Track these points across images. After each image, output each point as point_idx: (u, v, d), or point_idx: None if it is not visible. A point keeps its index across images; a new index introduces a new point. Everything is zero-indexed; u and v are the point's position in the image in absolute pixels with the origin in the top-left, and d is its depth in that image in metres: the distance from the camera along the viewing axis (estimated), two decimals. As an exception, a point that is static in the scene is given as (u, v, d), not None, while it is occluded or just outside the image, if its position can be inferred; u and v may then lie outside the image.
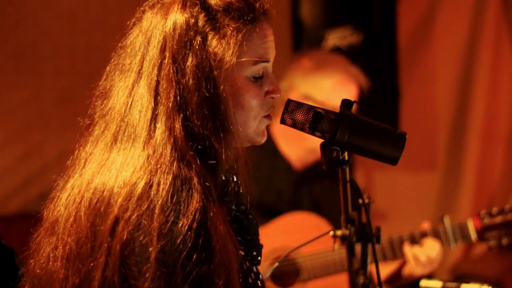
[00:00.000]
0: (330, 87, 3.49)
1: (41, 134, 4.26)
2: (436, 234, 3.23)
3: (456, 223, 3.24)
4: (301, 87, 3.53)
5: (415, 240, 3.23)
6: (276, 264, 2.89)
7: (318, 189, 3.67)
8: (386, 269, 3.35)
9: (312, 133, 1.91)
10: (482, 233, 3.22)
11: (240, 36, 1.81)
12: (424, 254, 3.19)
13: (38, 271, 1.86)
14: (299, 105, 1.91)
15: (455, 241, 3.23)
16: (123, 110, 1.83)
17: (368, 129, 1.91)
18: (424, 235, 3.23)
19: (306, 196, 3.66)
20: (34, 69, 4.25)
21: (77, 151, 1.92)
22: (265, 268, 3.19)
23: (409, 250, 3.21)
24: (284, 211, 3.53)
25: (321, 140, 1.91)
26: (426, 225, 3.26)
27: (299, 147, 3.53)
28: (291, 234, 3.43)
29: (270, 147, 3.61)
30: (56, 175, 1.94)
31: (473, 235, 3.23)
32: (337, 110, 1.91)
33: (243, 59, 1.83)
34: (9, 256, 2.08)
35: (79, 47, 4.31)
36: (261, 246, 1.97)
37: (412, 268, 3.21)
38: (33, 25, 4.23)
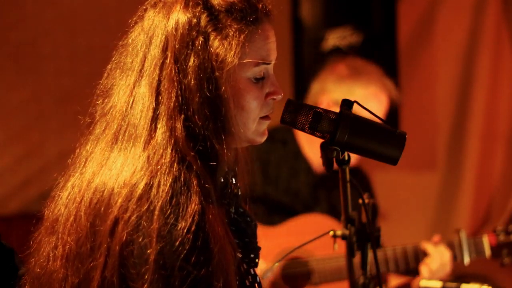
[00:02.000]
0: (363, 97, 3.46)
1: (41, 134, 4.26)
2: (450, 247, 3.23)
3: (471, 238, 3.24)
4: (333, 93, 3.52)
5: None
6: (276, 264, 2.89)
7: (336, 194, 3.67)
8: (396, 279, 3.37)
9: (312, 133, 1.91)
10: (496, 249, 3.23)
11: (242, 37, 1.80)
12: (435, 261, 3.19)
13: (38, 270, 1.86)
14: (299, 105, 1.90)
15: (469, 256, 3.23)
16: (124, 109, 1.83)
17: (368, 129, 1.91)
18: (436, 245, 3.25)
19: (324, 200, 3.66)
20: (34, 69, 4.25)
21: (78, 150, 1.91)
22: (274, 269, 3.20)
23: (431, 248, 3.21)
24: (301, 212, 3.53)
25: None
26: (437, 239, 3.26)
27: None
28: (305, 235, 3.43)
29: (293, 149, 3.62)
30: (57, 174, 1.93)
31: (488, 251, 3.23)
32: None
33: (245, 61, 1.82)
34: (9, 256, 2.08)
35: (79, 47, 4.31)
36: (259, 249, 1.97)
37: (430, 269, 3.21)
38: (33, 25, 4.23)
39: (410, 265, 3.24)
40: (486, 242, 3.23)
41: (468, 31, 4.94)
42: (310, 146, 3.61)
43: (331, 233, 2.06)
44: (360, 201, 2.01)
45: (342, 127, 1.87)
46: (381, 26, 4.62)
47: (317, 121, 1.89)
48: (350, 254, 2.02)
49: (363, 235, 2.01)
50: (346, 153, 1.95)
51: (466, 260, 3.23)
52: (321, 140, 1.93)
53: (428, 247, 3.22)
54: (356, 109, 1.95)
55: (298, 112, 1.89)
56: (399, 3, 4.75)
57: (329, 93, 3.52)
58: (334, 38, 4.50)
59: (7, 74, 4.19)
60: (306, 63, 4.53)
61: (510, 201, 4.71)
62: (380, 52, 4.55)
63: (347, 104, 1.92)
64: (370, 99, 3.46)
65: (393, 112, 4.60)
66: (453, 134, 5.04)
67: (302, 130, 1.91)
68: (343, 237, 2.04)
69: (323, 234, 2.11)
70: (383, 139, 1.91)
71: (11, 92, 4.20)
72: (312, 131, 1.90)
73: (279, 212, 3.52)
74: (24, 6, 4.22)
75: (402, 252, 3.23)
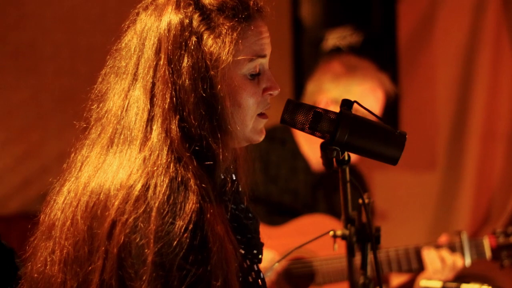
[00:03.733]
0: (360, 93, 3.47)
1: (41, 134, 4.27)
2: (452, 249, 3.25)
3: (472, 240, 3.26)
4: (331, 92, 3.52)
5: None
6: (276, 264, 2.88)
7: (336, 194, 3.67)
8: (398, 278, 3.37)
9: (312, 133, 1.91)
10: (496, 251, 3.25)
11: (235, 34, 1.81)
12: (441, 259, 3.20)
13: (35, 275, 1.86)
14: (299, 105, 1.90)
15: (470, 258, 3.25)
16: (119, 113, 1.83)
17: (368, 129, 1.90)
18: (438, 247, 3.26)
19: (323, 199, 3.66)
20: (34, 69, 4.25)
21: (73, 155, 1.91)
22: (274, 268, 3.20)
23: (426, 254, 3.22)
24: (300, 212, 3.53)
25: None
26: (443, 239, 3.28)
27: None
28: (309, 235, 3.43)
29: (291, 148, 3.61)
30: (53, 177, 1.93)
31: (488, 253, 3.26)
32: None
33: (239, 58, 1.82)
34: (9, 256, 2.08)
35: (79, 47, 4.31)
36: (262, 245, 1.97)
37: (428, 275, 3.22)
38: (33, 25, 4.23)
39: (413, 266, 3.25)
40: (487, 243, 3.25)
41: (468, 31, 4.94)
42: (309, 146, 3.61)
43: (331, 233, 2.06)
44: (360, 201, 2.01)
45: (342, 127, 1.87)
46: (381, 26, 4.62)
47: (317, 121, 1.89)
48: (350, 254, 2.02)
49: (363, 235, 2.01)
50: (346, 153, 1.95)
51: (468, 261, 3.25)
52: (320, 139, 1.92)
53: (425, 255, 3.23)
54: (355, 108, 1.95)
55: (298, 112, 1.89)
56: (399, 3, 4.75)
57: (326, 92, 3.52)
58: (334, 38, 4.50)
59: (7, 74, 4.19)
60: (306, 63, 4.53)
61: (510, 201, 4.71)
62: (380, 52, 4.55)
63: (347, 104, 1.92)
64: (367, 95, 3.46)
65: (393, 112, 4.61)
66: (453, 134, 5.04)
67: (302, 130, 1.91)
68: (343, 237, 2.04)
69: (323, 234, 2.11)
70: (383, 139, 1.91)
71: (11, 92, 4.20)
72: (312, 131, 1.90)
73: (280, 212, 3.52)
74: (24, 6, 4.23)
75: (404, 253, 3.24)
